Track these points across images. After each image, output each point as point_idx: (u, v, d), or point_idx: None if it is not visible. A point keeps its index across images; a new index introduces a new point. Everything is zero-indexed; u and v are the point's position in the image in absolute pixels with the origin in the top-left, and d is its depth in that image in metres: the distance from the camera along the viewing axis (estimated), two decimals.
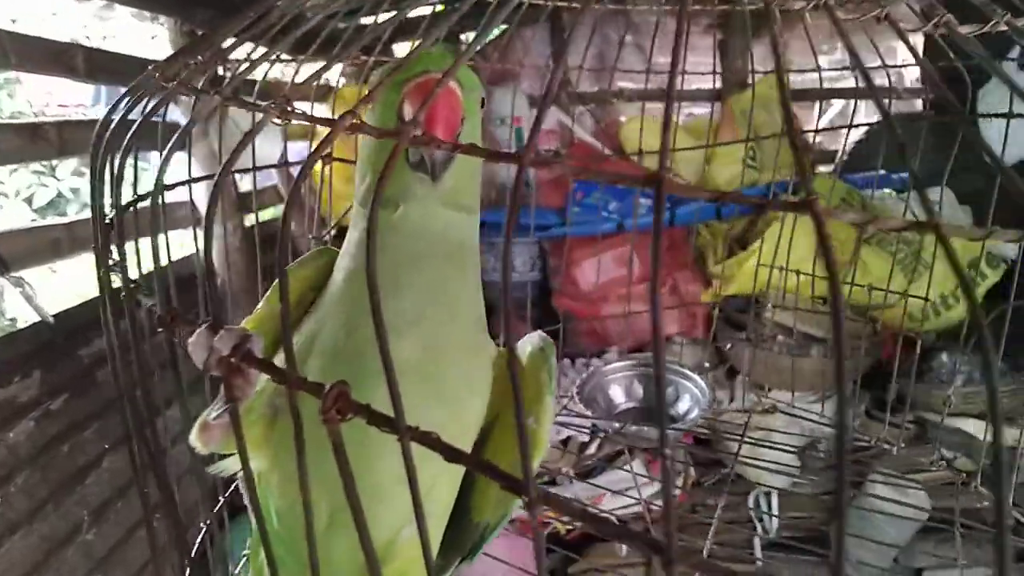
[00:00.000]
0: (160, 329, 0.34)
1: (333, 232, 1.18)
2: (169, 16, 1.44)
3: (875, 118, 2.44)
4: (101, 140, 0.44)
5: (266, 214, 2.20)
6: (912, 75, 2.48)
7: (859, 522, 1.69)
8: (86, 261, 1.37)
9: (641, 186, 0.23)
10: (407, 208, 0.52)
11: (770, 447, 1.36)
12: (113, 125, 0.45)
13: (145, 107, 0.44)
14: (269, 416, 0.56)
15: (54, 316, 1.29)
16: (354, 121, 0.29)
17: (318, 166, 1.69)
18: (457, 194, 0.54)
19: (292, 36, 0.43)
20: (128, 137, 0.42)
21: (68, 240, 1.36)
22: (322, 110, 1.83)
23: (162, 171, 0.36)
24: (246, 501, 0.55)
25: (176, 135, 0.37)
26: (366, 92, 0.54)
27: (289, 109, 0.33)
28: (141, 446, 0.48)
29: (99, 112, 3.28)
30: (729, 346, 1.78)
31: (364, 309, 0.53)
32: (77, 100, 3.53)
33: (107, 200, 0.45)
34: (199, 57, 0.46)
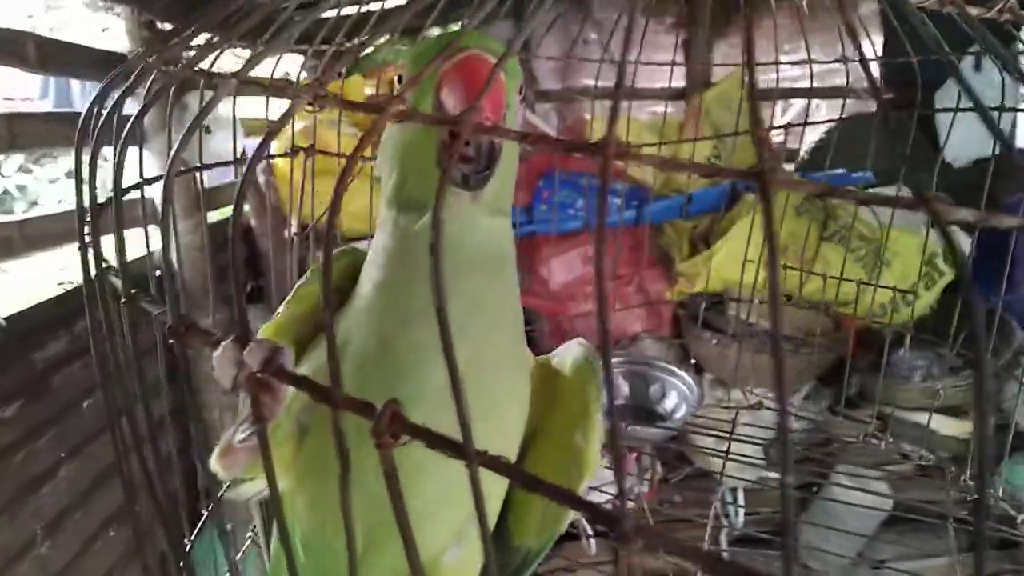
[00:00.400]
0: (171, 340, 0.31)
1: (298, 231, 1.14)
2: (127, 5, 1.39)
3: (835, 116, 2.48)
4: (90, 127, 0.41)
5: (223, 213, 2.15)
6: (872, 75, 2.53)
7: (824, 515, 1.72)
8: (40, 261, 1.31)
9: (744, 180, 0.22)
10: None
11: (745, 441, 1.37)
12: (107, 111, 0.41)
13: (124, 94, 0.42)
14: (295, 435, 0.53)
15: (5, 319, 1.23)
16: (403, 107, 0.27)
17: (279, 162, 1.65)
18: (495, 200, 0.51)
19: (303, 25, 0.41)
20: (131, 123, 0.38)
21: (20, 239, 1.30)
22: (279, 105, 1.80)
23: (174, 162, 0.33)
24: (257, 527, 0.51)
25: (196, 118, 0.33)
26: (399, 75, 0.51)
27: (323, 94, 0.30)
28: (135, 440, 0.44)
29: (47, 106, 3.16)
30: (715, 342, 1.79)
31: (398, 321, 0.50)
32: (23, 93, 3.39)
33: (99, 194, 0.42)
34: (194, 42, 0.43)
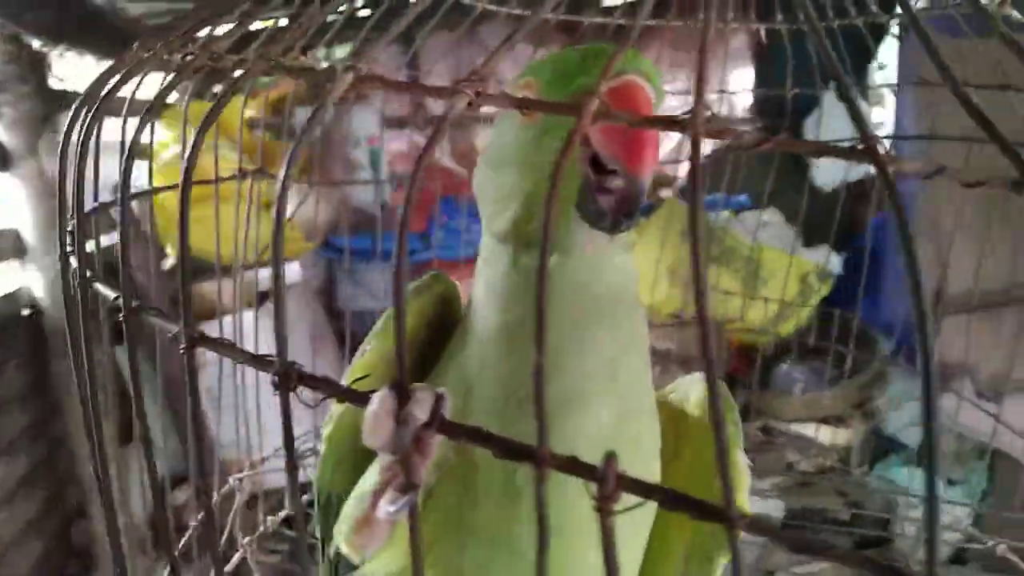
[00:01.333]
0: (277, 390, 0.26)
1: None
2: None
3: (713, 145, 2.61)
4: (89, 117, 0.36)
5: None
6: (743, 103, 2.70)
7: None
8: None
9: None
10: (566, 257, 0.44)
11: None
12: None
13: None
14: (421, 499, 0.46)
15: None
16: (601, 106, 0.23)
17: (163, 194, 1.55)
18: (628, 234, 0.46)
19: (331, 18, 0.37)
20: (213, 109, 0.30)
21: None
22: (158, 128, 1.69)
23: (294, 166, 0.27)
24: None
25: (304, 128, 0.27)
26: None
27: (483, 91, 0.26)
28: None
29: None
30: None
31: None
32: None
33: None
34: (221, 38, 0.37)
